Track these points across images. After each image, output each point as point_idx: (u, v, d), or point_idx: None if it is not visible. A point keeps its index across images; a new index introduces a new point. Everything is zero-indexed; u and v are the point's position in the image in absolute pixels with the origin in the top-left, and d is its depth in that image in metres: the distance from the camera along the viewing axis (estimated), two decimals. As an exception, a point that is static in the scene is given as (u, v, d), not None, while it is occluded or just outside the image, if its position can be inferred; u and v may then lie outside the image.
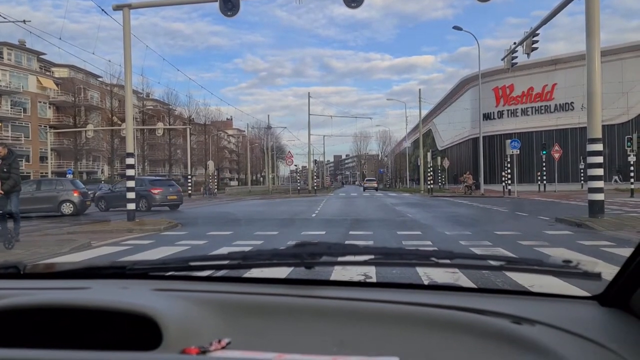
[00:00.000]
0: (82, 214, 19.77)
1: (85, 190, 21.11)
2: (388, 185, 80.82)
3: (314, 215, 17.08)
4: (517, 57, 19.32)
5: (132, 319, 0.93)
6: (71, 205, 19.77)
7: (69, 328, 0.99)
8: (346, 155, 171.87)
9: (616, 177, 34.67)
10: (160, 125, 47.68)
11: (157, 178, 26.43)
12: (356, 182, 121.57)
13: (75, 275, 1.25)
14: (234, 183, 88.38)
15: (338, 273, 5.07)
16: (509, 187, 29.69)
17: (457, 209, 18.88)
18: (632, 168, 24.61)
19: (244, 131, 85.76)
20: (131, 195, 14.56)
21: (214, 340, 0.85)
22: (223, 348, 0.84)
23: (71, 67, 56.42)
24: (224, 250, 8.48)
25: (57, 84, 56.63)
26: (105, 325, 0.98)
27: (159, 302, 0.98)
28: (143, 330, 0.91)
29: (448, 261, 1.10)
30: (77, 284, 1.16)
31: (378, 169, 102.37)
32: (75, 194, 19.93)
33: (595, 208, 12.00)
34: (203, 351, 0.82)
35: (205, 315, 0.96)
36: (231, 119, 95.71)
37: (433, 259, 1.08)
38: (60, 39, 24.51)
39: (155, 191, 21.33)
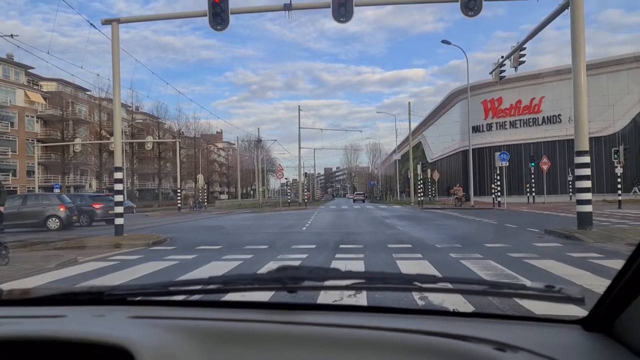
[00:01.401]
0: (68, 229, 19.63)
1: (72, 205, 21.00)
2: (379, 198, 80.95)
3: (304, 228, 17.03)
4: (504, 70, 19.54)
5: (108, 349, 0.90)
6: (57, 220, 19.67)
7: (45, 358, 0.96)
8: (337, 168, 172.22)
9: (636, 189, 34.84)
10: (149, 138, 47.51)
11: (98, 194, 29.29)
12: (347, 195, 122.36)
13: (52, 302, 1.22)
14: (224, 196, 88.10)
15: (326, 294, 5.01)
16: (499, 199, 29.85)
17: (448, 222, 18.92)
18: (619, 180, 24.87)
19: (234, 144, 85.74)
20: (119, 209, 14.46)
21: None
22: None
23: (59, 80, 56.20)
24: (213, 264, 8.41)
25: (45, 98, 56.31)
26: (82, 354, 0.95)
27: (135, 331, 0.95)
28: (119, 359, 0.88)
29: (431, 285, 1.09)
30: (53, 312, 1.12)
31: (368, 182, 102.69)
32: (62, 209, 19.85)
33: (584, 220, 12.09)
34: None
35: (184, 344, 0.94)
36: (221, 132, 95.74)
37: (416, 283, 1.06)
38: (48, 53, 24.54)
39: (97, 206, 22.54)
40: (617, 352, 0.92)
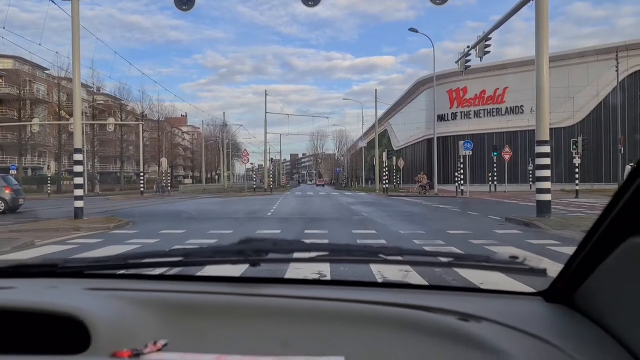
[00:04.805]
0: (14, 212, 18.96)
1: (19, 187, 20.25)
2: (344, 185, 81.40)
3: (269, 214, 16.99)
4: (470, 60, 19.80)
5: (61, 321, 0.86)
6: (2, 203, 18.92)
7: None
8: (303, 155, 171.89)
9: None
10: (111, 120, 46.22)
11: None
12: (311, 182, 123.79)
13: (2, 275, 1.16)
14: (188, 181, 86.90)
15: (293, 271, 5.03)
16: (462, 187, 30.39)
17: (412, 209, 19.18)
18: (577, 170, 25.66)
19: (200, 128, 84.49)
20: (79, 192, 14.07)
21: (149, 343, 0.80)
22: (159, 350, 0.79)
23: (17, 58, 53.99)
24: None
25: (0, 76, 54.05)
26: (32, 327, 0.90)
27: (90, 302, 0.91)
28: (73, 332, 0.84)
29: (396, 258, 1.09)
30: (2, 284, 1.07)
31: (335, 169, 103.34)
32: (7, 191, 19.06)
33: (543, 208, 12.43)
34: (136, 354, 0.76)
35: (143, 316, 0.90)
36: (186, 116, 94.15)
37: (381, 255, 1.06)
38: (4, 28, 23.28)
39: None
40: (577, 320, 0.94)
